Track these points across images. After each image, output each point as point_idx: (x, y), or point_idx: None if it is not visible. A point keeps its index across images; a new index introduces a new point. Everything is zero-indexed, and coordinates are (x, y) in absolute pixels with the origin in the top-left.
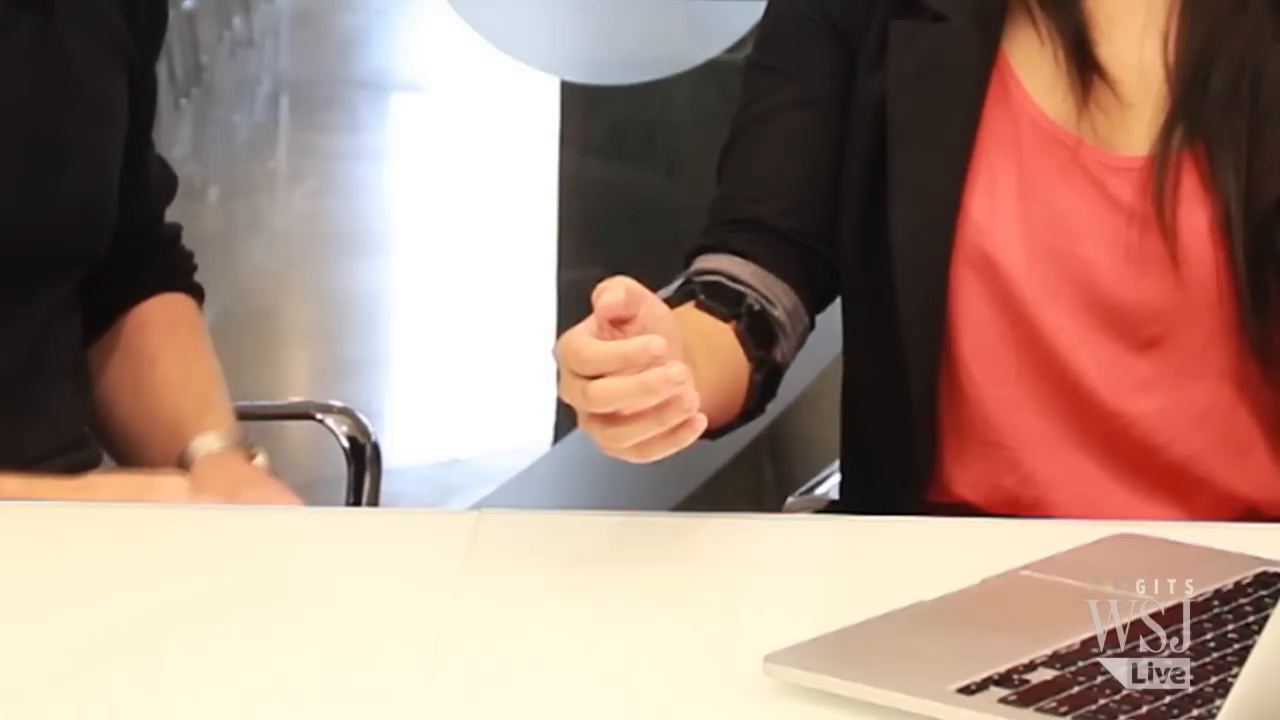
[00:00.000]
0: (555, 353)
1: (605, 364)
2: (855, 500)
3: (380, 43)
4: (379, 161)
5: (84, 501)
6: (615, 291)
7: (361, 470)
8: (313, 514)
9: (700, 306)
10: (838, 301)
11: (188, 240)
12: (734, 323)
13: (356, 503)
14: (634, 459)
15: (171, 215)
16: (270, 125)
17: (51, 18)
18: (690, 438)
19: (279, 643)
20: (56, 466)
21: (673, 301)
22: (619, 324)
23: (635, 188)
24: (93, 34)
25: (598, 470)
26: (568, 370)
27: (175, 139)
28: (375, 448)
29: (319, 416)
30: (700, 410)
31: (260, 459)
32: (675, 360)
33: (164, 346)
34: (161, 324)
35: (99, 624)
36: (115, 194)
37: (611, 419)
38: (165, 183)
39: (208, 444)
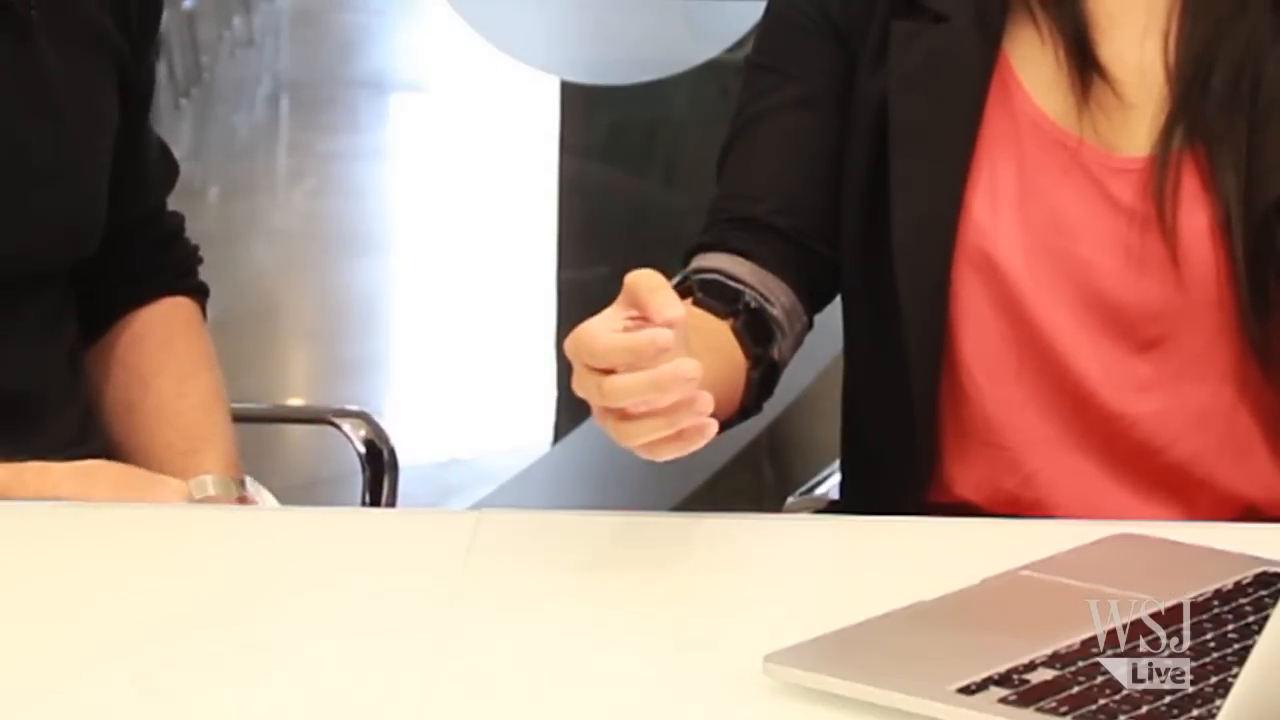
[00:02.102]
0: (567, 346)
1: (614, 357)
2: (855, 500)
3: (380, 43)
4: (379, 161)
5: (83, 502)
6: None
7: (379, 475)
8: (312, 514)
9: (697, 304)
10: (837, 301)
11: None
12: (731, 320)
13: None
14: (645, 455)
15: None
16: (270, 125)
17: (25, 32)
18: (700, 441)
19: (278, 643)
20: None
21: None
22: (639, 319)
23: (635, 188)
24: (73, 39)
25: (598, 470)
26: (579, 363)
27: (175, 139)
28: (392, 453)
29: (336, 421)
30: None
31: (252, 491)
32: (687, 357)
33: (159, 367)
34: (158, 338)
35: (96, 624)
36: (101, 202)
37: (624, 414)
38: (166, 170)
39: (202, 487)
